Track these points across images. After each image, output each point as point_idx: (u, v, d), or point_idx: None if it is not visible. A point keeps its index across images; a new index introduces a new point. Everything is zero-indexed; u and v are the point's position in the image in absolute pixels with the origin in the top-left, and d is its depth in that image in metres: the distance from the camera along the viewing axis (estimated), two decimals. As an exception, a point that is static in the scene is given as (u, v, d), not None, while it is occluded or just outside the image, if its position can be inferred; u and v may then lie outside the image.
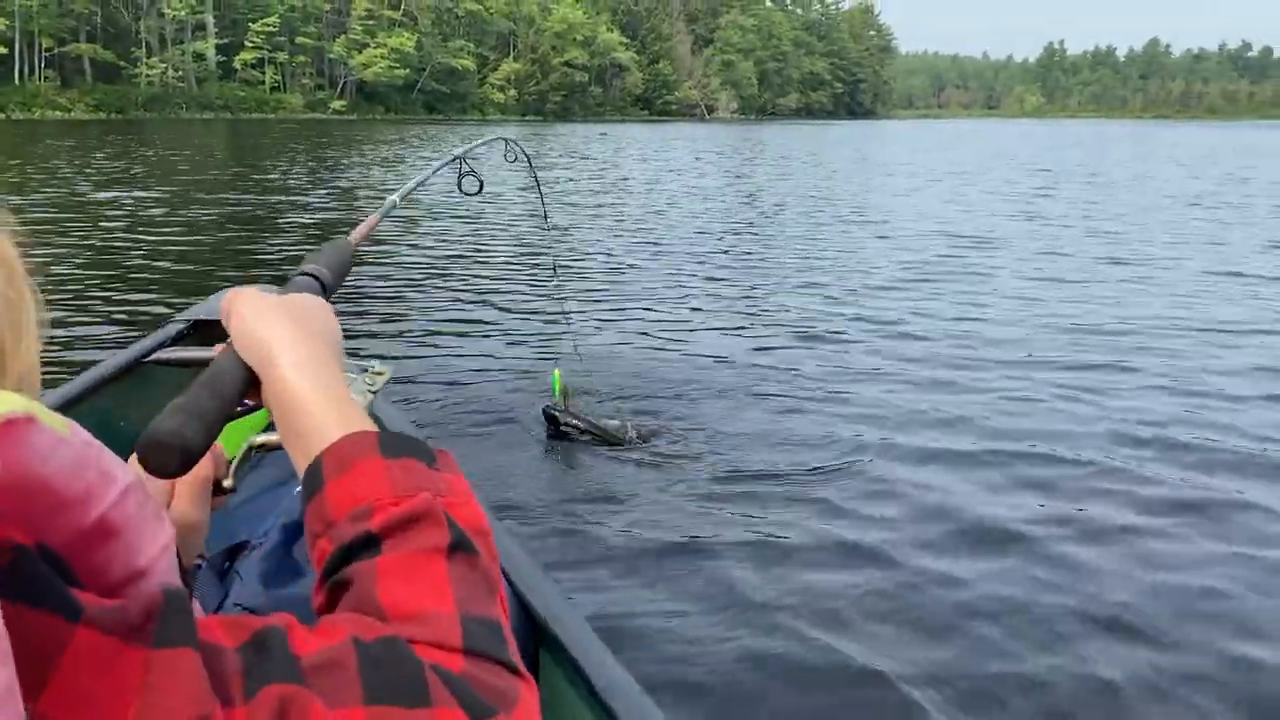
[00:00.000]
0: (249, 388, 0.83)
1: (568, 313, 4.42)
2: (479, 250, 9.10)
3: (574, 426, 4.01)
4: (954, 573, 3.08)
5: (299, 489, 1.35)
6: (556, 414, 4.03)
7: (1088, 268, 8.90)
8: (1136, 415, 4.67)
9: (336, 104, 79.64)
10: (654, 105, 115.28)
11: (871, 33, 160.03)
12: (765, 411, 4.57)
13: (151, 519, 0.53)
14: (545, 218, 3.90)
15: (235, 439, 1.87)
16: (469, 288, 7.30)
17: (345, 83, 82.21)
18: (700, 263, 8.82)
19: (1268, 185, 19.01)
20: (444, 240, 10.04)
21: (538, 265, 7.70)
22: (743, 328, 6.34)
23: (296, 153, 25.71)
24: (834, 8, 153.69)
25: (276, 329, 0.81)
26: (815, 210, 13.75)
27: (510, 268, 7.77)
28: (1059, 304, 7.25)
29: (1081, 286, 7.97)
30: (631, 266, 8.46)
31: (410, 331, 6.10)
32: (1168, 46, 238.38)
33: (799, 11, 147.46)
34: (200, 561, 1.15)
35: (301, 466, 0.76)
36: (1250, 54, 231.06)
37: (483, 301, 6.76)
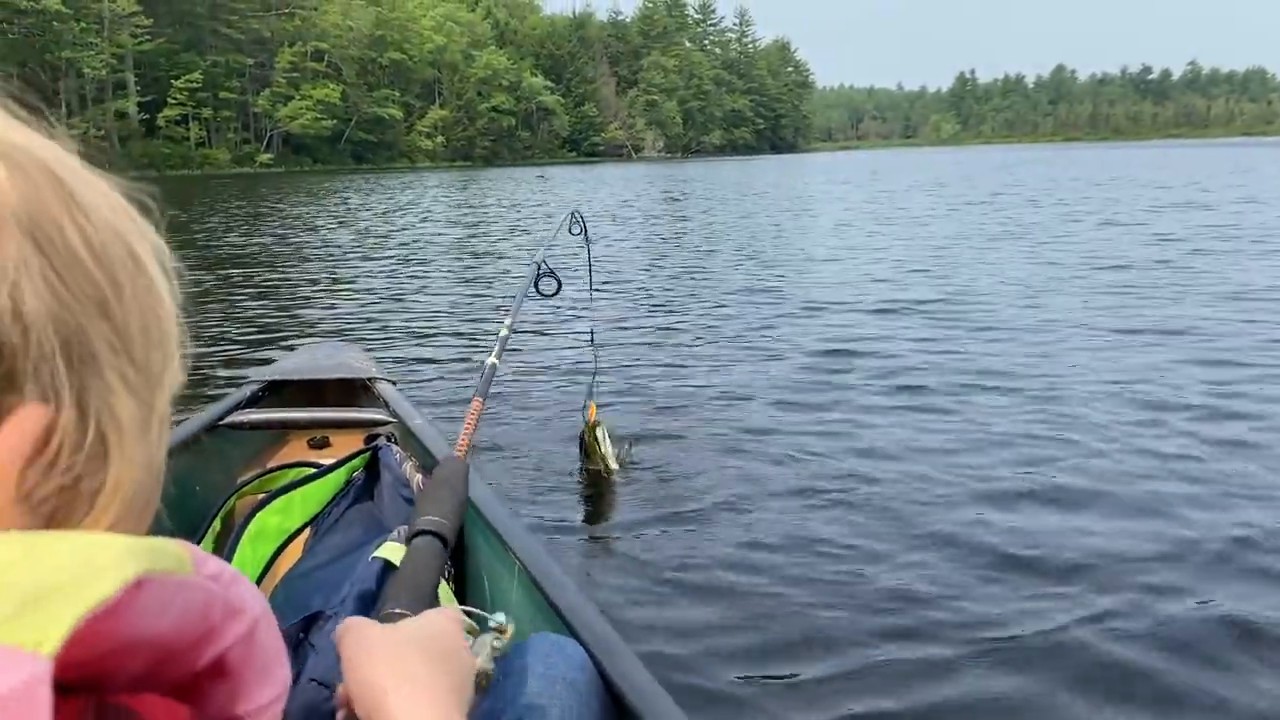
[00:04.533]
0: None
1: (596, 356, 4.29)
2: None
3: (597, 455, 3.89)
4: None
5: (373, 555, 1.57)
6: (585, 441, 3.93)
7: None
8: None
9: (263, 157, 79.35)
10: (581, 147, 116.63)
11: (789, 69, 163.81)
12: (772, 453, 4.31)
13: (273, 661, 0.47)
14: (590, 288, 3.97)
15: (315, 498, 2.12)
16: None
17: (271, 136, 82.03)
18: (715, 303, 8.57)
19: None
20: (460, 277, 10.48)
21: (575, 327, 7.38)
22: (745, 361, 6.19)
23: (235, 209, 25.77)
24: (751, 46, 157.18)
25: (397, 694, 0.77)
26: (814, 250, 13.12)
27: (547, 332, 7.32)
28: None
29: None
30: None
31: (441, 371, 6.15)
32: (1073, 72, 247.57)
33: (718, 51, 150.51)
34: None
35: None
36: (1151, 77, 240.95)
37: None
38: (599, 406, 4.05)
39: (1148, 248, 11.49)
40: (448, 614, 0.93)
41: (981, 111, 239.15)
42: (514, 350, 4.43)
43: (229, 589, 0.43)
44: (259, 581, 1.88)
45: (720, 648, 2.66)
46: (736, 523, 3.53)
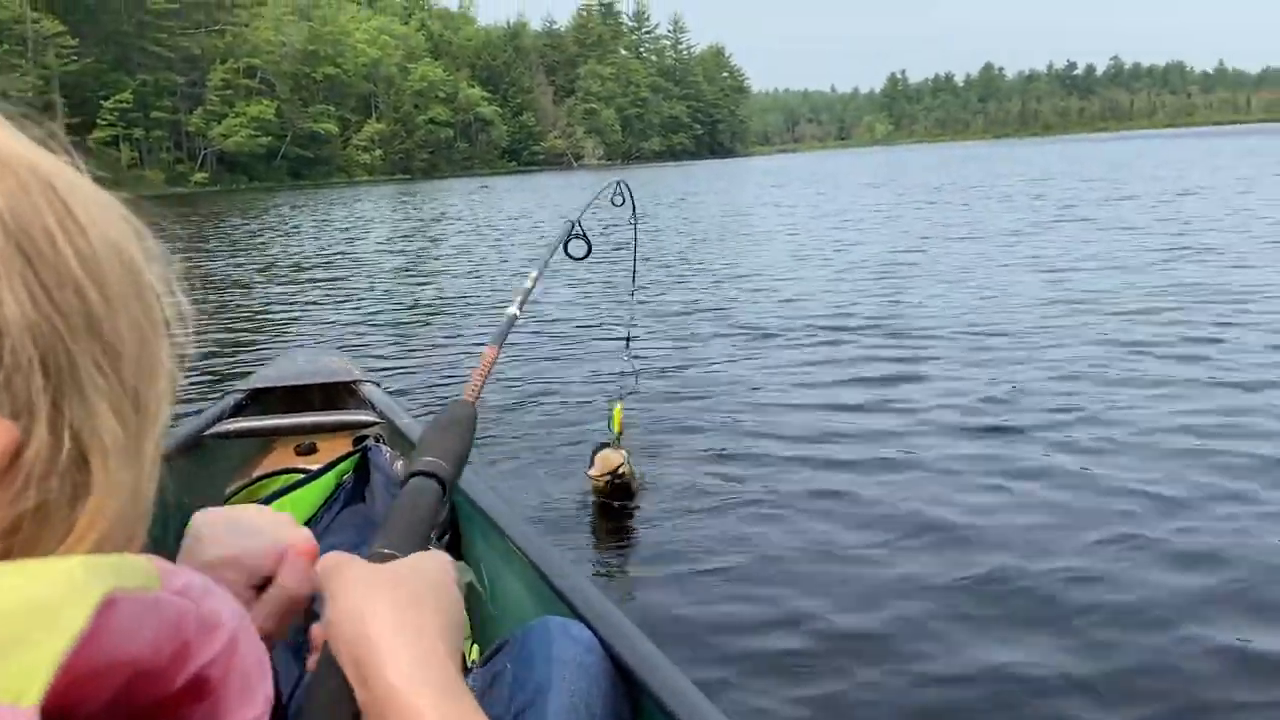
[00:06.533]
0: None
1: (634, 359, 3.83)
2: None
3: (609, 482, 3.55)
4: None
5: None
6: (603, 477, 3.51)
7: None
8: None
9: (198, 176, 78.19)
10: (521, 156, 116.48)
11: (725, 74, 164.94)
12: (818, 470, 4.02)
13: (255, 677, 0.45)
14: (634, 272, 3.67)
15: (306, 503, 2.04)
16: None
17: (205, 154, 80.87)
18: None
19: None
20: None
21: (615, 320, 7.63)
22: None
23: (173, 231, 25.45)
24: (686, 52, 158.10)
25: (384, 633, 0.70)
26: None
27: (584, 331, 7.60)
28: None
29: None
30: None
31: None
32: (1001, 70, 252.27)
33: (654, 58, 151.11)
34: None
35: None
36: (1076, 72, 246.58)
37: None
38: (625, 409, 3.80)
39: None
40: (438, 555, 0.86)
41: (913, 111, 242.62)
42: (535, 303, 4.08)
43: (202, 602, 0.41)
44: None
45: (730, 642, 2.64)
46: (750, 527, 3.45)
